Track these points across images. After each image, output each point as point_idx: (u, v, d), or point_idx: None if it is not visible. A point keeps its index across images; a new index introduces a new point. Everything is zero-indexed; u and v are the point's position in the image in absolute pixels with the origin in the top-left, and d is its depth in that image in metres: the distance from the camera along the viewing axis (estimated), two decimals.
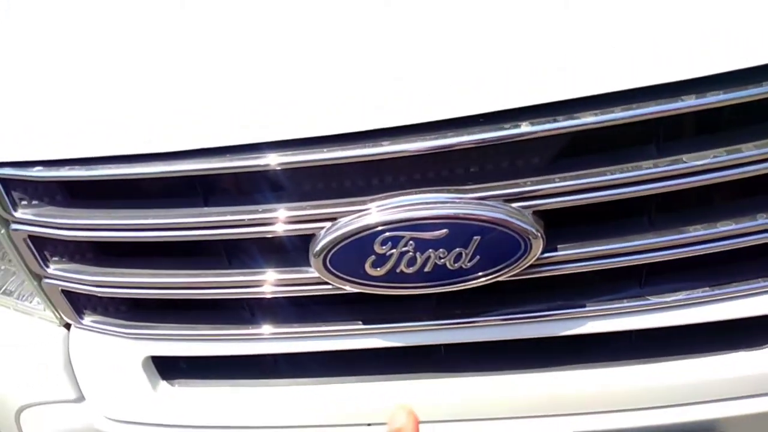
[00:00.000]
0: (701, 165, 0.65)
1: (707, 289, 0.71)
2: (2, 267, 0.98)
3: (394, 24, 0.71)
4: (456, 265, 0.69)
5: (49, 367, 0.90)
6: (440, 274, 0.70)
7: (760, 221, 0.67)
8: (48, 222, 0.81)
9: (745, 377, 0.72)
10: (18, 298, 0.94)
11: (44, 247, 0.84)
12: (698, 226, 0.68)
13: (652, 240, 0.68)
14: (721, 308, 0.71)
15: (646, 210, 0.70)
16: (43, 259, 0.85)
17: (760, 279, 0.70)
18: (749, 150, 0.64)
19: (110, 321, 0.86)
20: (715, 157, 0.64)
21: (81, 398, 0.89)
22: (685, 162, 0.65)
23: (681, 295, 0.71)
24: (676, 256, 0.69)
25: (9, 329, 0.95)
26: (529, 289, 0.74)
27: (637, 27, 0.65)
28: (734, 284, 0.71)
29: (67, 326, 0.90)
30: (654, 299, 0.72)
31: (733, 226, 0.67)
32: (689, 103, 0.63)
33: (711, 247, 0.69)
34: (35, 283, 0.88)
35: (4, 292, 0.95)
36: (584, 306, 0.73)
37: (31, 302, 0.93)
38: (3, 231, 0.85)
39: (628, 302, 0.72)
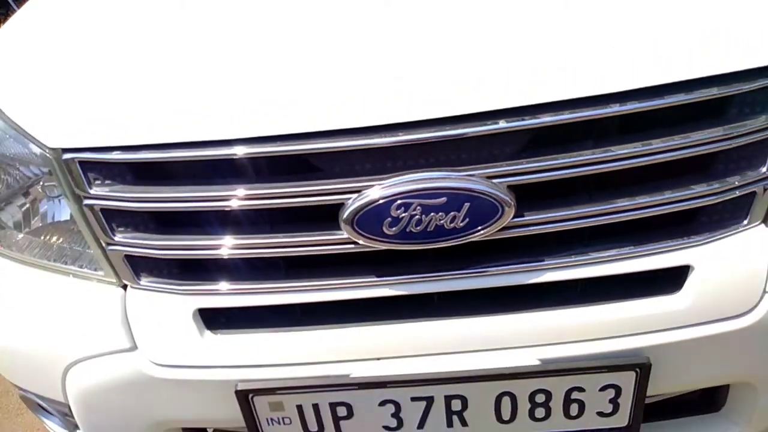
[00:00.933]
0: (624, 153, 0.92)
1: (632, 247, 0.98)
2: (58, 243, 1.16)
3: (396, 26, 0.96)
4: (451, 225, 0.93)
5: (105, 322, 1.08)
6: (439, 232, 0.94)
7: (666, 196, 0.95)
8: (118, 197, 1.02)
9: (663, 315, 0.98)
10: (77, 267, 1.12)
11: (112, 219, 1.04)
12: (624, 199, 0.95)
13: (591, 209, 0.95)
14: (642, 262, 0.98)
15: (587, 187, 0.96)
16: (111, 229, 1.04)
17: (668, 240, 0.97)
18: (657, 143, 0.92)
19: (165, 281, 1.06)
20: (633, 147, 0.92)
21: (134, 348, 1.06)
22: (613, 151, 0.92)
23: (613, 252, 0.97)
24: (608, 221, 0.96)
25: (68, 294, 1.13)
26: (502, 247, 0.99)
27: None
28: (650, 244, 0.97)
29: (124, 287, 1.09)
30: (594, 255, 0.98)
31: (648, 199, 0.95)
32: (614, 109, 0.91)
33: (633, 214, 0.95)
34: (100, 251, 1.07)
35: (63, 262, 1.13)
36: (543, 260, 0.98)
37: (89, 269, 1.11)
38: (76, 206, 1.05)
39: (575, 257, 0.98)
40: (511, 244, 0.99)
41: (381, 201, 0.92)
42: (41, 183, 1.13)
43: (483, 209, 0.92)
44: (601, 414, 1.02)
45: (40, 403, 1.28)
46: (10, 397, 2.39)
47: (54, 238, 1.17)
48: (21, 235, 1.18)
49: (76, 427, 1.24)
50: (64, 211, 1.13)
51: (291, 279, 1.03)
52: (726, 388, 1.13)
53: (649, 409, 1.11)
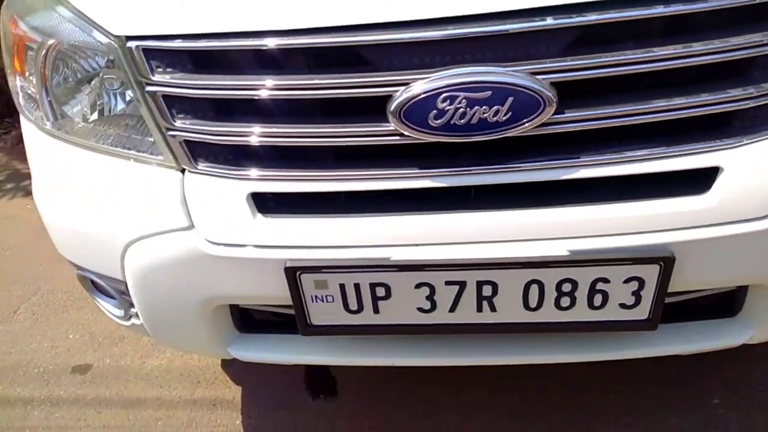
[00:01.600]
0: (664, 54, 0.96)
1: (665, 147, 1.02)
2: (118, 132, 1.24)
3: None
4: (494, 119, 0.98)
5: (165, 202, 1.16)
6: (482, 126, 0.99)
7: (702, 98, 0.99)
8: (178, 83, 1.08)
9: (691, 213, 1.03)
10: (137, 152, 1.20)
11: (172, 105, 1.11)
12: (661, 100, 0.99)
13: (628, 108, 0.99)
14: (674, 162, 1.03)
15: (626, 87, 1.01)
16: (171, 116, 1.11)
17: (701, 143, 1.02)
18: (697, 46, 0.95)
19: (220, 166, 1.13)
20: (674, 49, 0.95)
21: (191, 227, 1.15)
22: (655, 52, 0.96)
23: (647, 151, 1.02)
24: (644, 121, 1.00)
25: (126, 174, 1.21)
26: (541, 144, 1.04)
27: None
28: (683, 145, 1.02)
29: (182, 171, 1.17)
30: (628, 154, 1.03)
31: (684, 101, 0.99)
32: (659, 10, 0.94)
33: (669, 115, 1.00)
34: (160, 136, 1.14)
35: (125, 147, 1.21)
36: (579, 157, 1.03)
37: (149, 154, 1.19)
38: (139, 92, 1.11)
39: (610, 156, 1.03)
40: (549, 141, 1.04)
41: (428, 93, 0.97)
42: (101, 75, 1.20)
43: (525, 104, 0.97)
44: (623, 306, 1.09)
45: (98, 282, 1.39)
46: (56, 295, 2.55)
47: (114, 129, 1.24)
48: (82, 124, 1.25)
49: (131, 305, 1.35)
50: (122, 104, 1.21)
51: (339, 168, 1.10)
52: (743, 293, 1.20)
53: (668, 310, 1.19)
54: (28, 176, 3.86)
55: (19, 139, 4.39)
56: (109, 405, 2.00)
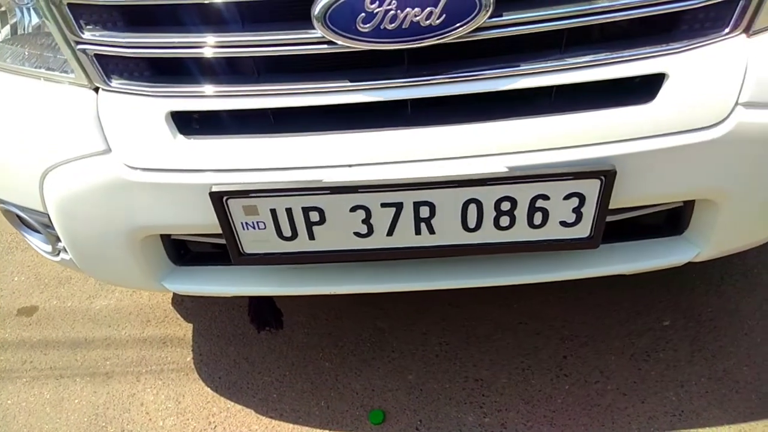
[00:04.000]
0: None
1: (609, 53, 0.96)
2: (29, 50, 1.13)
3: None
4: (427, 22, 0.91)
5: (78, 125, 1.07)
6: (415, 30, 0.91)
7: None
8: None
9: (635, 124, 0.98)
10: (47, 70, 1.10)
11: (80, 15, 1.01)
12: (603, 0, 0.92)
13: (570, 9, 0.92)
14: (619, 69, 0.97)
15: None
16: (79, 27, 1.01)
17: (646, 47, 0.96)
18: None
19: (135, 82, 1.04)
20: None
21: (108, 150, 1.07)
22: None
23: (590, 57, 0.96)
24: (587, 23, 0.93)
25: (39, 97, 1.11)
26: (479, 52, 0.97)
27: None
28: (628, 50, 0.96)
29: (96, 90, 1.07)
30: (570, 60, 0.97)
31: (629, 0, 0.92)
32: None
33: (613, 16, 0.93)
34: (69, 51, 1.04)
35: (34, 67, 1.11)
36: (519, 65, 0.97)
37: (60, 72, 1.09)
38: (44, 3, 1.01)
39: (551, 63, 0.97)
40: (487, 48, 0.97)
41: None
42: None
43: (460, 6, 0.90)
44: (564, 224, 1.06)
45: (21, 215, 1.31)
46: (1, 237, 2.45)
47: (27, 47, 1.14)
48: None
49: (58, 239, 1.28)
50: (35, 19, 1.10)
51: (265, 82, 1.02)
52: (689, 210, 1.17)
53: (612, 229, 1.16)
54: None
55: None
56: (57, 346, 1.95)
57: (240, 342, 1.87)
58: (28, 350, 1.95)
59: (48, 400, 1.77)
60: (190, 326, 1.95)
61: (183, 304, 2.03)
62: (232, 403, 1.70)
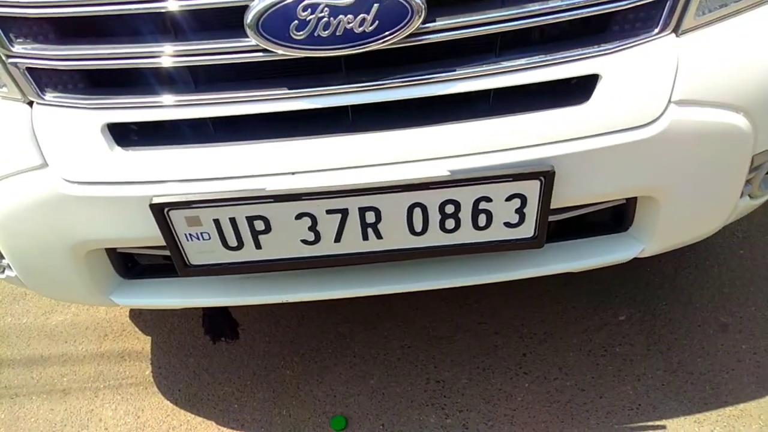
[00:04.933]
0: None
1: (543, 55, 0.97)
2: None
3: None
4: (360, 29, 0.91)
5: (13, 139, 1.05)
6: (348, 37, 0.91)
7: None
8: (11, 2, 0.95)
9: (570, 125, 1.00)
10: None
11: (9, 28, 0.98)
12: (536, 3, 0.93)
13: (503, 13, 0.93)
14: (553, 71, 0.98)
15: None
16: (8, 40, 0.99)
17: (579, 49, 0.97)
18: None
19: (69, 95, 1.02)
20: None
21: (44, 165, 1.04)
22: None
23: (525, 60, 0.97)
24: (520, 26, 0.94)
25: None
26: (414, 58, 0.98)
27: None
28: (561, 52, 0.97)
29: (30, 104, 1.05)
30: (505, 64, 0.97)
31: (560, 2, 0.93)
32: None
33: (545, 19, 0.94)
34: (0, 65, 1.01)
35: None
36: (455, 70, 0.98)
37: None
38: None
39: (486, 67, 0.97)
40: (422, 54, 0.97)
41: (286, 1, 0.88)
42: None
43: (392, 12, 0.90)
44: (508, 225, 1.06)
45: None
46: None
47: None
48: None
49: (1, 256, 1.25)
50: None
51: (201, 92, 1.00)
52: (632, 207, 1.19)
53: (557, 228, 1.17)
54: None
55: None
56: (11, 364, 1.90)
57: (200, 353, 1.85)
58: None
59: (2, 420, 1.73)
60: (148, 339, 1.92)
61: (141, 316, 2.00)
62: (193, 416, 1.68)
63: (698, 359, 1.67)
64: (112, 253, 1.21)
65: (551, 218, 1.09)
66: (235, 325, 1.55)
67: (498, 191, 1.01)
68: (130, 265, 1.28)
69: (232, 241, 1.08)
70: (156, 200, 1.01)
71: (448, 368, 1.73)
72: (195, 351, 1.85)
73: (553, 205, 1.04)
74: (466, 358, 1.75)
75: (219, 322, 1.51)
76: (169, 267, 1.28)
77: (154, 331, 1.94)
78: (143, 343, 1.90)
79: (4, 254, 1.20)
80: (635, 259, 1.25)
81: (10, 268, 1.26)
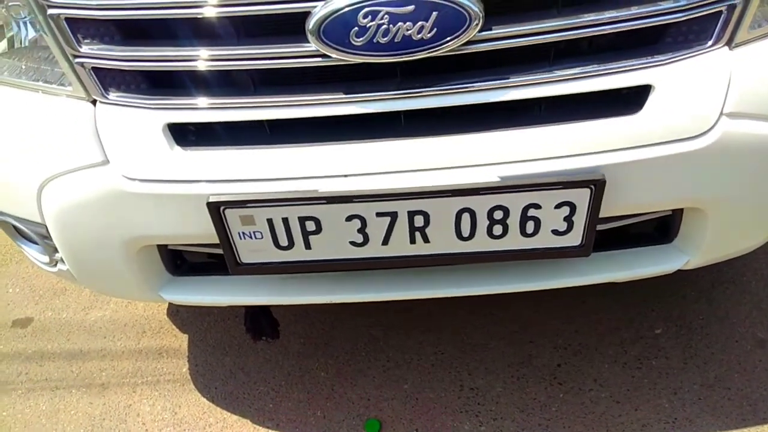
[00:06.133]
0: None
1: (597, 65, 0.99)
2: (27, 63, 1.15)
3: None
4: (419, 36, 0.93)
5: (76, 136, 1.09)
6: (407, 44, 0.94)
7: (633, 11, 0.95)
8: (82, 4, 0.99)
9: (622, 134, 1.01)
10: (45, 83, 1.11)
11: (77, 29, 1.03)
12: (592, 14, 0.95)
13: (558, 23, 0.95)
14: (606, 80, 0.99)
15: (556, 3, 0.96)
16: (76, 41, 1.03)
17: (633, 59, 0.99)
18: None
19: (133, 95, 1.06)
20: None
21: (106, 162, 1.08)
22: None
23: (578, 70, 0.99)
24: (575, 36, 0.96)
25: (37, 110, 1.13)
26: (470, 65, 1.00)
27: None
28: (615, 62, 0.99)
29: (94, 102, 1.09)
30: (559, 73, 0.99)
31: (615, 14, 0.95)
32: None
33: (601, 30, 0.96)
34: (67, 64, 1.06)
35: (32, 80, 1.12)
36: (509, 78, 0.99)
37: (58, 85, 1.10)
38: (42, 17, 1.03)
39: (540, 75, 0.99)
40: (478, 61, 0.99)
41: (348, 8, 0.91)
42: (6, 3, 1.11)
43: (451, 19, 0.92)
44: (555, 232, 1.07)
45: (19, 226, 1.32)
46: None
47: (25, 61, 1.15)
48: None
49: (56, 250, 1.29)
50: (32, 33, 1.12)
51: (261, 95, 1.03)
52: (679, 219, 1.19)
53: (603, 238, 1.18)
54: None
55: None
56: (52, 358, 1.95)
57: (236, 352, 1.88)
58: (23, 362, 1.95)
59: (44, 412, 1.77)
60: (185, 337, 1.96)
61: (178, 314, 2.04)
62: (229, 414, 1.71)
63: (735, 375, 1.65)
64: (163, 250, 1.25)
65: (598, 227, 1.10)
66: (276, 325, 1.58)
67: (547, 198, 1.02)
68: (178, 262, 1.31)
69: (283, 241, 1.10)
70: (213, 199, 1.04)
71: (482, 376, 1.73)
72: (231, 350, 1.89)
73: (601, 214, 1.05)
74: (500, 366, 1.75)
75: (260, 321, 1.54)
76: (215, 265, 1.32)
77: (191, 329, 1.98)
78: (180, 340, 1.94)
79: (58, 248, 1.24)
80: (678, 270, 1.25)
81: (63, 261, 1.30)
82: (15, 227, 1.37)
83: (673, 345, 1.75)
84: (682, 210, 1.16)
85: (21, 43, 1.15)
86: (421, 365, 1.78)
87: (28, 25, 1.12)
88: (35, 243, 1.37)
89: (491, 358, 1.77)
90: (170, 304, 1.91)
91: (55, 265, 1.35)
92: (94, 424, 1.72)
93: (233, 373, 1.81)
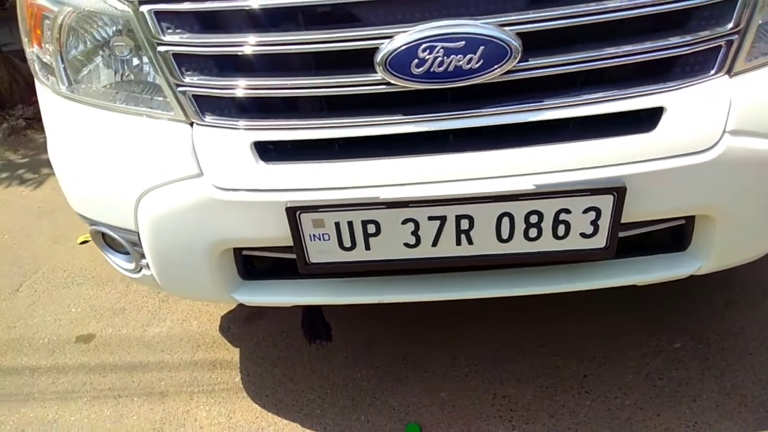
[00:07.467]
0: (616, 6, 1.11)
1: (617, 90, 1.18)
2: (131, 93, 1.36)
3: None
4: (467, 66, 1.13)
5: (177, 153, 1.29)
6: (458, 72, 1.14)
7: (647, 45, 1.15)
8: (188, 42, 1.22)
9: (640, 149, 1.19)
10: (149, 108, 1.32)
11: (182, 63, 1.24)
12: (613, 47, 1.15)
13: (585, 54, 1.15)
14: (625, 103, 1.18)
15: (582, 38, 1.16)
16: (181, 73, 1.24)
17: (647, 85, 1.18)
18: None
19: (225, 118, 1.27)
20: (625, 1, 1.11)
21: (200, 174, 1.28)
22: (607, 4, 1.11)
23: (601, 94, 1.18)
24: (599, 66, 1.16)
25: (140, 131, 1.34)
26: (510, 90, 1.19)
27: None
28: (633, 88, 1.18)
29: (191, 124, 1.29)
30: (585, 97, 1.18)
31: (632, 47, 1.14)
32: None
33: (620, 61, 1.16)
34: (171, 92, 1.27)
35: (137, 106, 1.33)
36: (543, 101, 1.19)
37: (160, 110, 1.31)
38: (152, 53, 1.24)
39: (569, 99, 1.18)
40: (516, 87, 1.19)
41: (410, 44, 1.12)
42: (111, 44, 1.33)
43: (494, 52, 1.12)
44: (583, 235, 1.24)
45: (110, 235, 1.51)
46: (56, 273, 2.66)
47: (125, 91, 1.37)
48: (95, 88, 1.38)
49: (142, 256, 1.48)
50: (131, 69, 1.34)
51: (332, 117, 1.24)
52: (691, 228, 1.36)
53: (623, 244, 1.34)
54: (21, 166, 3.98)
55: (11, 131, 4.49)
56: (114, 369, 2.11)
57: (284, 364, 2.03)
58: (87, 373, 2.11)
59: (108, 417, 1.93)
60: (237, 350, 2.12)
61: (230, 330, 2.20)
62: (279, 419, 1.85)
63: (751, 384, 1.77)
64: (238, 255, 1.43)
65: (619, 235, 1.27)
66: (329, 329, 1.74)
67: (576, 204, 1.20)
68: (249, 267, 1.49)
69: (347, 242, 1.28)
70: (290, 204, 1.23)
71: (514, 385, 1.87)
72: (279, 362, 2.04)
73: (623, 220, 1.22)
74: (530, 377, 1.89)
75: (316, 324, 1.70)
76: (280, 270, 1.50)
77: (242, 344, 2.14)
78: (232, 354, 2.10)
79: (147, 253, 1.43)
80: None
81: (148, 267, 1.48)
82: (104, 237, 1.56)
83: (692, 358, 1.88)
84: (694, 219, 1.32)
85: (122, 78, 1.36)
86: (456, 376, 1.92)
87: (128, 63, 1.34)
88: (121, 252, 1.56)
89: (521, 370, 1.91)
90: (222, 320, 2.10)
91: (140, 270, 1.54)
92: (156, 428, 1.86)
93: (282, 383, 1.96)
